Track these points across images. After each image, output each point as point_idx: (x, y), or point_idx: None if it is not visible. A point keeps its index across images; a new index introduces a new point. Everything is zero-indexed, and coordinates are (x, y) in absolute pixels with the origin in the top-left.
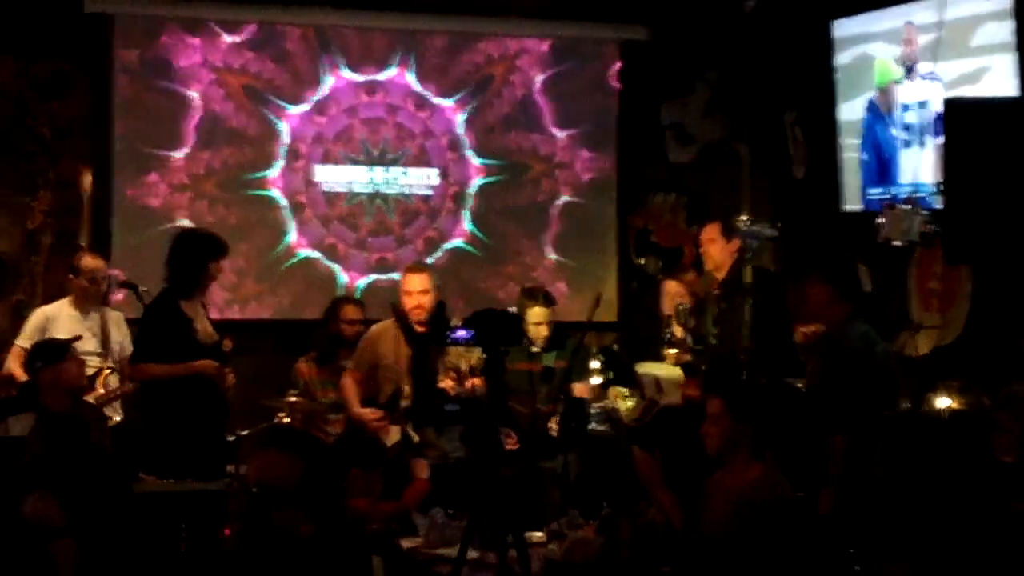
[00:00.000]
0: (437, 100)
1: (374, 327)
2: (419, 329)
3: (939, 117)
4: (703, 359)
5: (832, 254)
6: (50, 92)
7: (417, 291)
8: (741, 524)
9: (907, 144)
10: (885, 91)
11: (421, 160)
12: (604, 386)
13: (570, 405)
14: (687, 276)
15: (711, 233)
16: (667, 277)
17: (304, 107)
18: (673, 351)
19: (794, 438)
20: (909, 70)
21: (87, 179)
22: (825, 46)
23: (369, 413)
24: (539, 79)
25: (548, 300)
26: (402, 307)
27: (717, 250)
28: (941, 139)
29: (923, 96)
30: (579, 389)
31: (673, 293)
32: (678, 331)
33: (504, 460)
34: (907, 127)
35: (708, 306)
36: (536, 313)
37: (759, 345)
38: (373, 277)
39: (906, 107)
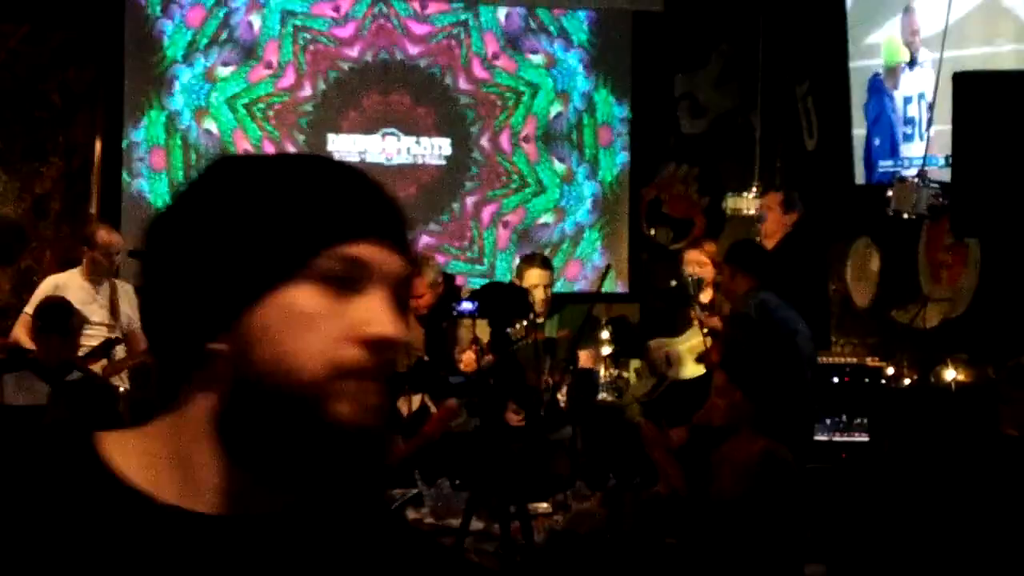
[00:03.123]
0: (449, 65)
1: None
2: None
3: (930, 107)
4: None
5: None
6: (63, 59)
7: (415, 295)
8: (746, 496)
9: (908, 138)
10: (893, 71)
11: (433, 128)
12: (613, 358)
13: (579, 377)
14: (709, 246)
15: (771, 202)
16: (684, 247)
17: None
18: (704, 313)
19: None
20: (912, 61)
21: (97, 146)
22: (840, 17)
23: None
24: (553, 50)
25: (546, 263)
26: None
27: (773, 219)
28: (936, 128)
29: (922, 87)
30: (584, 357)
31: (693, 261)
32: (704, 297)
33: (512, 435)
34: (909, 121)
35: None
36: (534, 275)
37: None
38: None
39: (908, 99)
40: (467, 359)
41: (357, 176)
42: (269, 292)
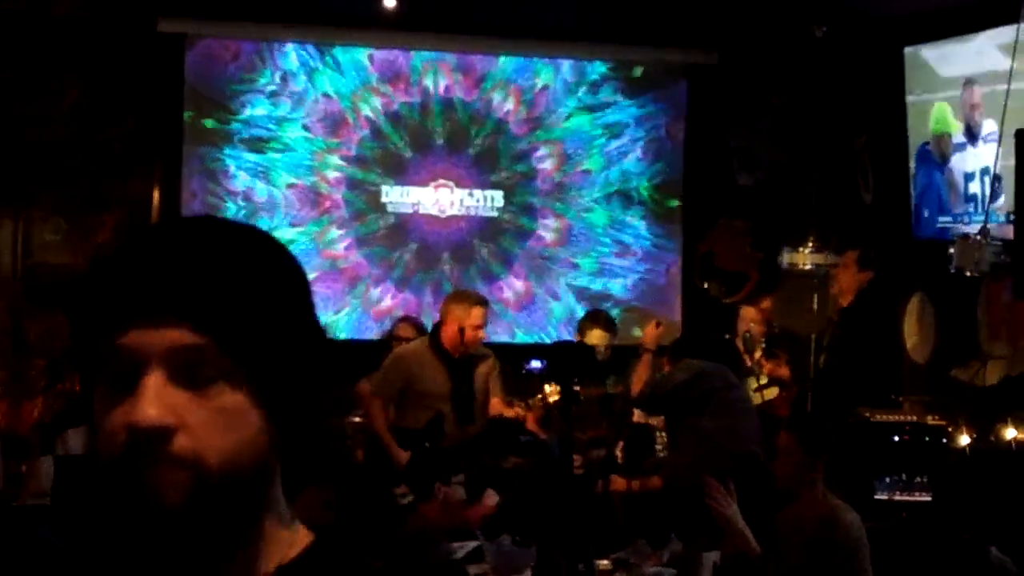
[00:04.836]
0: (504, 118)
1: (403, 348)
2: (456, 355)
3: (996, 178)
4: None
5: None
6: (122, 111)
7: (483, 324)
8: (813, 560)
9: (969, 215)
10: (940, 139)
11: (491, 182)
12: None
13: (635, 432)
14: (764, 303)
15: (847, 259)
16: (738, 302)
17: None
18: (771, 363)
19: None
20: (972, 136)
21: (155, 197)
22: (898, 71)
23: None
24: (607, 102)
25: (609, 324)
26: (447, 333)
27: (847, 277)
28: (1001, 202)
29: (986, 162)
30: (639, 412)
31: (748, 319)
32: (748, 358)
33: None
34: (971, 198)
35: (824, 329)
36: (596, 336)
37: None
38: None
39: (970, 176)
40: (529, 416)
41: (132, 254)
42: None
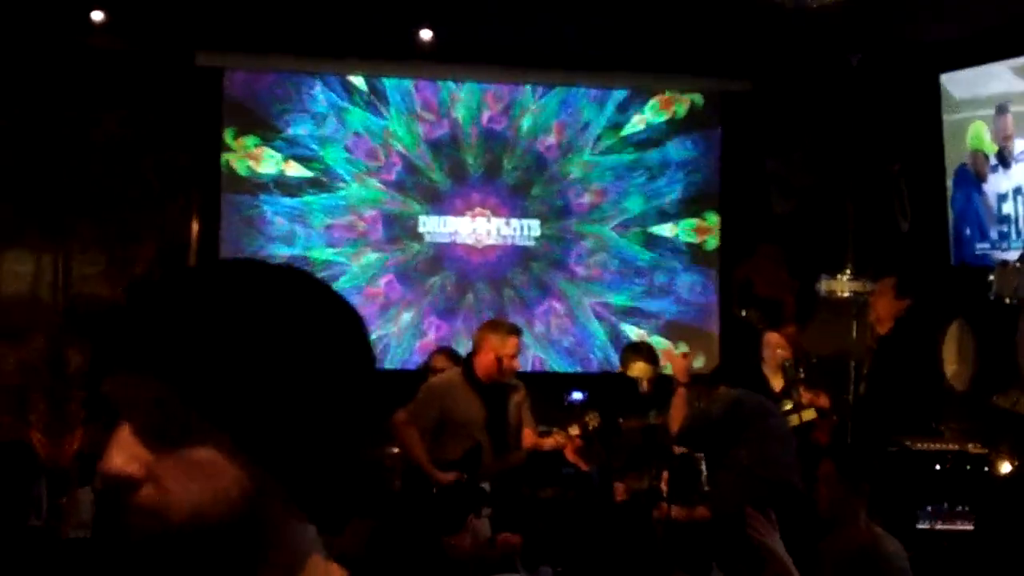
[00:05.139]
0: (540, 148)
1: (436, 379)
2: (487, 383)
3: None
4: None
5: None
6: (159, 142)
7: (517, 354)
8: None
9: (1004, 236)
10: (976, 157)
11: (524, 210)
12: None
13: (679, 463)
14: (788, 329)
15: (884, 286)
16: (769, 329)
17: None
18: (812, 392)
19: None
20: (1004, 162)
21: (194, 227)
22: (934, 98)
23: (451, 477)
24: (641, 130)
25: (651, 356)
26: (482, 362)
27: (883, 305)
28: None
29: (1018, 181)
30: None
31: (774, 344)
32: (776, 384)
33: (617, 513)
34: (1004, 219)
35: (863, 357)
36: (638, 368)
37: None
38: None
39: (1003, 196)
40: (567, 446)
41: (123, 303)
42: None
